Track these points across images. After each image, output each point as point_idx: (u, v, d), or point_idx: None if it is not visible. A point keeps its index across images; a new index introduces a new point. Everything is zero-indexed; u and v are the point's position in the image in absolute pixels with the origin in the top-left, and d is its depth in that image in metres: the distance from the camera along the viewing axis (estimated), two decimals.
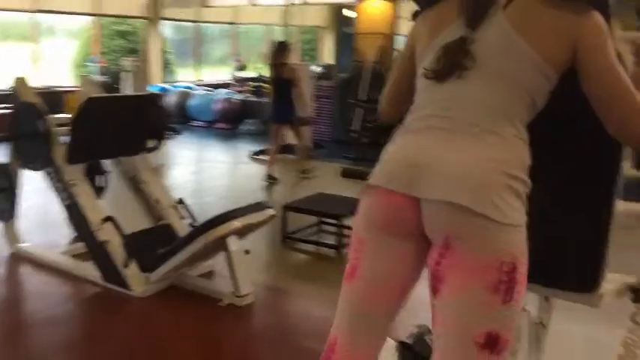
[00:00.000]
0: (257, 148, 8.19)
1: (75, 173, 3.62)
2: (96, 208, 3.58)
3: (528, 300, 1.73)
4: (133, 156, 3.97)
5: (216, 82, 13.10)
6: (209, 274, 3.74)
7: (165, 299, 3.38)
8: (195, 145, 8.84)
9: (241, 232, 3.28)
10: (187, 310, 3.27)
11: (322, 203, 4.44)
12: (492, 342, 1.21)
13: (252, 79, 12.93)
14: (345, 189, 4.83)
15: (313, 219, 4.59)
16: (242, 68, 13.39)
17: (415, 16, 1.60)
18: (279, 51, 6.26)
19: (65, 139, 3.61)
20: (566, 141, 1.49)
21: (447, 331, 1.27)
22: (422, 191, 1.29)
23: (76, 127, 3.52)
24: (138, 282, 3.41)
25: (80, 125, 3.53)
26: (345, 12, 12.94)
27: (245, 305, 3.25)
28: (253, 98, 11.55)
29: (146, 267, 3.44)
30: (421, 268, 1.41)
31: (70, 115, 4.02)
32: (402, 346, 2.60)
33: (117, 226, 3.46)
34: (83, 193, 3.57)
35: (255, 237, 3.61)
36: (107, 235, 3.46)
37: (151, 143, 4.02)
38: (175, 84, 12.20)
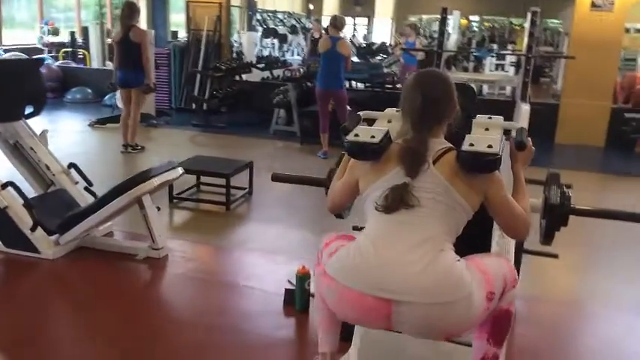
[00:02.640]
0: (93, 116, 7.98)
1: None
2: None
3: None
4: (13, 122, 3.88)
5: (23, 47, 12.03)
6: (109, 235, 3.88)
7: (78, 260, 3.49)
8: None
9: (156, 190, 3.52)
10: (105, 267, 3.43)
11: (205, 164, 4.76)
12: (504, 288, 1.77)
13: (66, 44, 12.19)
14: (197, 153, 5.21)
15: (191, 181, 4.89)
16: (53, 32, 12.47)
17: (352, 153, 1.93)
18: (128, 12, 6.06)
19: None
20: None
21: None
22: (399, 294, 1.61)
23: None
24: (47, 245, 3.45)
25: None
26: None
27: (162, 257, 3.52)
28: (74, 64, 10.97)
29: (51, 230, 3.49)
30: None
31: None
32: None
33: (19, 191, 3.45)
34: None
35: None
36: (7, 200, 3.43)
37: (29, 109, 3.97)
38: None
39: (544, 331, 2.91)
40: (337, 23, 6.23)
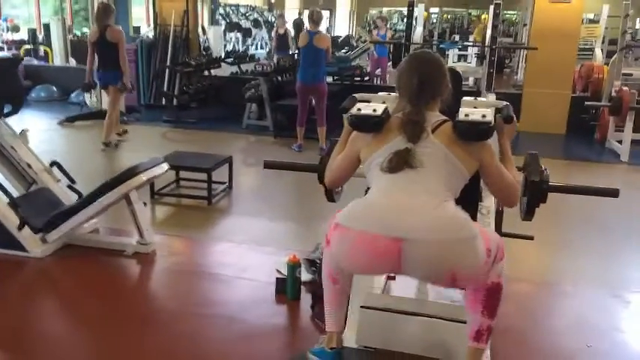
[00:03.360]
0: (61, 115, 7.89)
1: None
2: None
3: None
4: None
5: None
6: (95, 232, 3.89)
7: (67, 257, 3.50)
8: None
9: (143, 186, 3.57)
10: (95, 263, 3.46)
11: (185, 159, 4.81)
12: (496, 255, 1.92)
13: (26, 41, 11.94)
14: (172, 149, 5.27)
15: (171, 177, 4.92)
16: (13, 29, 12.18)
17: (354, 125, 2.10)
18: (104, 13, 6.14)
19: None
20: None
21: None
22: (408, 233, 1.75)
23: None
24: (35, 243, 3.46)
25: None
26: None
27: (151, 251, 3.57)
28: (36, 62, 10.76)
29: (37, 229, 3.50)
30: None
31: None
32: (307, 262, 3.28)
33: (5, 191, 3.45)
34: None
35: None
36: None
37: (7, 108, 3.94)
38: None
39: (519, 310, 3.05)
40: (314, 17, 6.31)
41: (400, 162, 1.87)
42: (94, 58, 6.16)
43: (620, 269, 3.71)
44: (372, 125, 1.99)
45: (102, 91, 6.71)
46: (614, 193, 2.40)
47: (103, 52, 6.12)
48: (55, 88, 9.50)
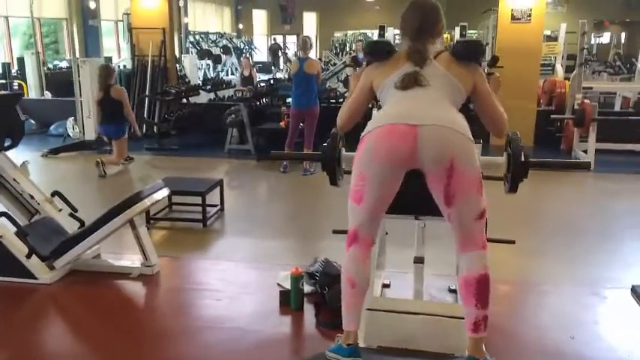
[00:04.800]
0: (43, 147, 7.98)
1: None
2: None
3: None
4: None
5: None
6: (97, 257, 4.02)
7: (75, 283, 3.62)
8: None
9: (146, 210, 3.74)
10: (102, 287, 3.58)
11: (179, 184, 4.98)
12: (482, 214, 2.21)
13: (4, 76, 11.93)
14: (159, 176, 5.46)
15: (164, 202, 5.07)
16: None
17: (354, 60, 2.53)
18: (106, 74, 6.77)
19: None
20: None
21: (462, 222, 2.21)
22: (422, 121, 2.14)
23: None
24: (43, 270, 3.59)
25: None
26: None
27: (155, 273, 3.73)
28: None
29: (44, 256, 3.63)
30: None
31: None
32: (308, 275, 3.48)
33: (13, 221, 3.58)
34: None
35: None
36: (1, 230, 3.55)
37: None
38: None
39: (506, 309, 3.28)
40: (301, 45, 6.72)
41: (411, 80, 2.25)
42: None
43: (596, 269, 4.01)
44: (384, 52, 2.39)
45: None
46: (586, 166, 2.66)
47: (107, 109, 6.71)
48: (32, 121, 9.54)
